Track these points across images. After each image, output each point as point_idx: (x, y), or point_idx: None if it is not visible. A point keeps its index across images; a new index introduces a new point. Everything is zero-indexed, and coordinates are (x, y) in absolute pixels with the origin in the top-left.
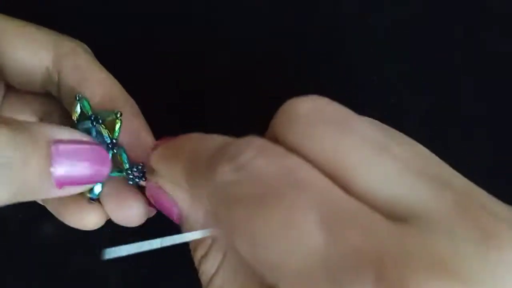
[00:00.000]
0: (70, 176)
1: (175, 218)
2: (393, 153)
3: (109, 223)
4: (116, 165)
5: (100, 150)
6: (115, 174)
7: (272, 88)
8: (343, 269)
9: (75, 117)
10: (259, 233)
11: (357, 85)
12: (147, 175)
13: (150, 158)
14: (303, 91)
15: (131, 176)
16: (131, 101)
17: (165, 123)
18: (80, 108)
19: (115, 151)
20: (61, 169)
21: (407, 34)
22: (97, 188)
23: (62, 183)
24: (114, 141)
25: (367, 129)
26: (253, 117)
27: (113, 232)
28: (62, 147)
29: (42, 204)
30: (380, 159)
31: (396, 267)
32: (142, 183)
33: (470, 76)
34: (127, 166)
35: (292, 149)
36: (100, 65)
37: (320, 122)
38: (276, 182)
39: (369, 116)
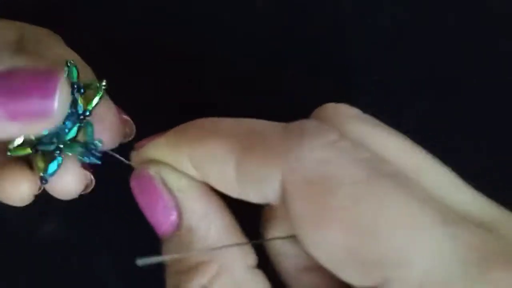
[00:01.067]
0: (7, 107)
1: (165, 226)
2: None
3: (110, 222)
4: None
5: (47, 73)
6: (70, 150)
7: (272, 88)
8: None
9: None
10: (371, 218)
11: (357, 85)
12: (135, 165)
13: (134, 156)
14: (303, 91)
15: (90, 151)
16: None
17: (164, 122)
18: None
19: (82, 124)
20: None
21: (407, 34)
22: (52, 167)
23: (10, 113)
24: (87, 112)
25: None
26: (253, 117)
27: (113, 233)
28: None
29: None
30: (441, 168)
31: None
32: (95, 161)
33: (470, 76)
34: (90, 140)
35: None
36: (67, 47)
37: (376, 125)
38: (373, 170)
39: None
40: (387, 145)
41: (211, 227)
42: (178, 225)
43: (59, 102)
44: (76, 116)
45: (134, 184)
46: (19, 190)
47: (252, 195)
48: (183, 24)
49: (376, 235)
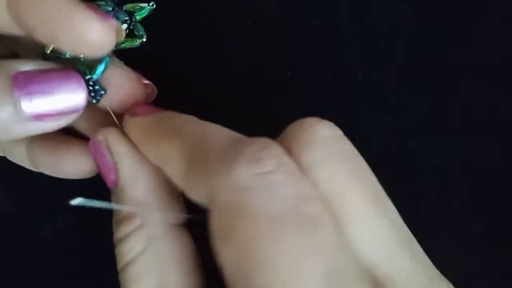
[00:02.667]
0: (41, 106)
1: (109, 183)
2: (387, 212)
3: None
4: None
5: (73, 75)
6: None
7: (271, 88)
8: None
9: None
10: (260, 256)
11: (357, 85)
12: (97, 131)
13: (125, 122)
14: (303, 91)
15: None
16: None
17: None
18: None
19: (131, 27)
20: (28, 101)
21: (407, 34)
22: (100, 67)
23: (35, 116)
24: (133, 20)
25: (371, 175)
26: (253, 117)
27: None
28: (24, 76)
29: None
30: (377, 218)
31: None
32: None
33: (470, 76)
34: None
35: (303, 169)
36: None
37: (338, 156)
38: (291, 209)
39: (369, 115)
40: (333, 180)
41: (138, 187)
42: (115, 183)
43: (86, 98)
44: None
45: (90, 145)
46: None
47: (193, 198)
48: (183, 24)
49: (261, 270)
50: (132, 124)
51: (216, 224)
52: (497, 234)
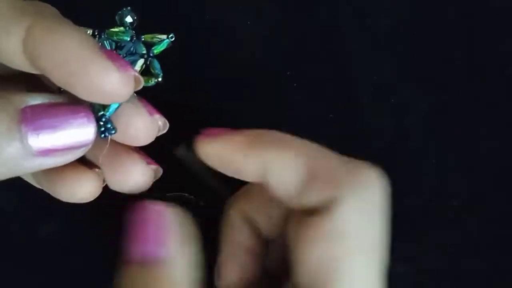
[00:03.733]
0: (49, 142)
1: (140, 252)
2: None
3: (110, 223)
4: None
5: (82, 110)
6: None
7: (271, 88)
8: None
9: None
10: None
11: (357, 85)
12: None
13: (203, 144)
14: (303, 90)
15: (101, 122)
16: None
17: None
18: (122, 22)
19: (148, 62)
20: (35, 136)
21: (407, 34)
22: (114, 105)
23: (42, 151)
24: (151, 54)
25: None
26: (253, 117)
27: (113, 233)
28: (32, 111)
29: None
30: None
31: None
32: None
33: (470, 76)
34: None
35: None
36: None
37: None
38: None
39: (369, 116)
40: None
41: (179, 266)
42: (149, 254)
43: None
44: (138, 56)
45: (138, 210)
46: (83, 188)
47: (303, 205)
48: (182, 24)
49: None
50: (221, 141)
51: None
52: (497, 234)
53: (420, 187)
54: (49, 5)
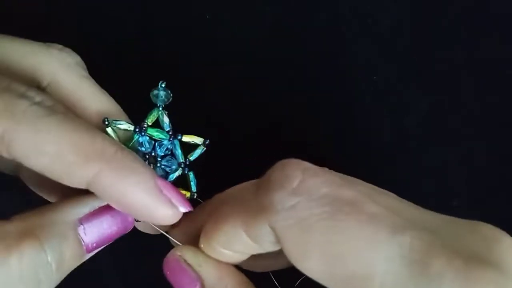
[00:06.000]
0: (98, 242)
1: None
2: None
3: None
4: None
5: (119, 212)
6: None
7: (271, 88)
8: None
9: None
10: (338, 247)
11: (357, 85)
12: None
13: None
14: (303, 90)
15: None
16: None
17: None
18: (157, 100)
19: (186, 171)
20: (89, 240)
21: (407, 34)
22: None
23: (91, 249)
24: (187, 162)
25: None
26: (252, 117)
27: None
28: (87, 226)
29: None
30: None
31: None
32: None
33: (470, 76)
34: (193, 189)
35: None
36: (93, 80)
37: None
38: (335, 200)
39: (369, 116)
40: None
41: (227, 286)
42: None
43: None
44: (175, 163)
45: (165, 268)
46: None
47: (264, 248)
48: (182, 23)
49: (345, 260)
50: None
51: (290, 246)
52: None
53: (420, 187)
54: (69, 53)
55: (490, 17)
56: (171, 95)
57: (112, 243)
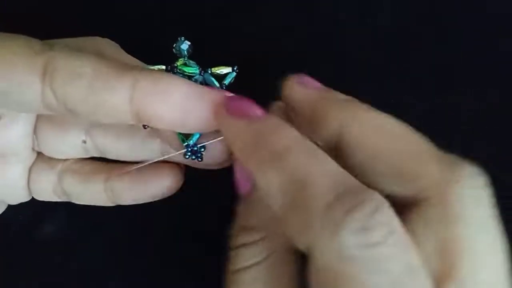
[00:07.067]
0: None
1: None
2: None
3: (110, 222)
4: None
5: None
6: None
7: (271, 88)
8: None
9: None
10: None
11: (357, 85)
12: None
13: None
14: None
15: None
16: None
17: None
18: (179, 50)
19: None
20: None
21: (407, 34)
22: (196, 134)
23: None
24: (223, 87)
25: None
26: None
27: (112, 233)
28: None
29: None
30: None
31: None
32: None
33: (470, 76)
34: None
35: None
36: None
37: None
38: (394, 285)
39: None
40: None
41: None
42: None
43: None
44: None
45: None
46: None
47: (288, 234)
48: (182, 23)
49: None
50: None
51: (315, 283)
52: None
53: None
54: (109, 40)
55: (490, 16)
56: (192, 46)
57: (113, 243)
